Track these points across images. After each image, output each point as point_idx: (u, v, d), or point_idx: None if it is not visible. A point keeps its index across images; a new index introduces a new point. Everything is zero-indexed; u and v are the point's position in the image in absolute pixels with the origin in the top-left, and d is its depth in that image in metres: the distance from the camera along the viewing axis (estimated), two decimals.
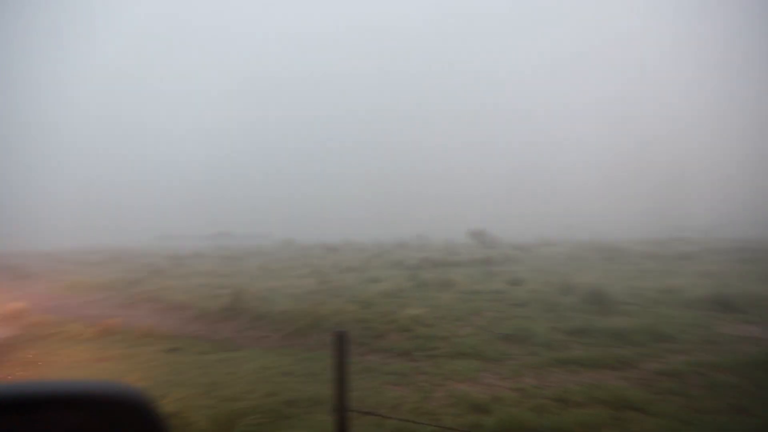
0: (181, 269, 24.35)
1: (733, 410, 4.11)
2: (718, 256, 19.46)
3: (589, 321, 7.76)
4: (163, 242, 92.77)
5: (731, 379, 4.81)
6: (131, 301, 12.95)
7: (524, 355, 6.18)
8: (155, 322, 9.66)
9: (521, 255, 25.52)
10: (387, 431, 3.61)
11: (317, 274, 18.17)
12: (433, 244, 46.03)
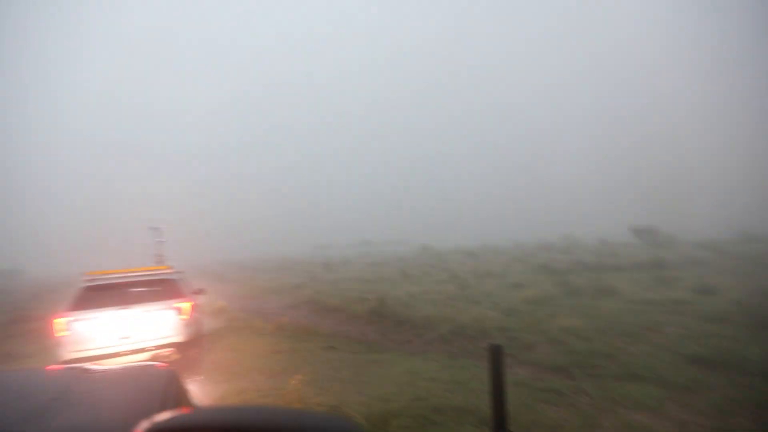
0: (333, 275, 27.34)
1: None
2: None
3: None
4: (319, 251, 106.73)
5: None
6: (296, 303, 15.08)
7: (729, 386, 4.80)
8: (314, 322, 10.99)
9: (708, 256, 20.40)
10: None
11: (456, 279, 18.00)
12: (583, 245, 40.78)
